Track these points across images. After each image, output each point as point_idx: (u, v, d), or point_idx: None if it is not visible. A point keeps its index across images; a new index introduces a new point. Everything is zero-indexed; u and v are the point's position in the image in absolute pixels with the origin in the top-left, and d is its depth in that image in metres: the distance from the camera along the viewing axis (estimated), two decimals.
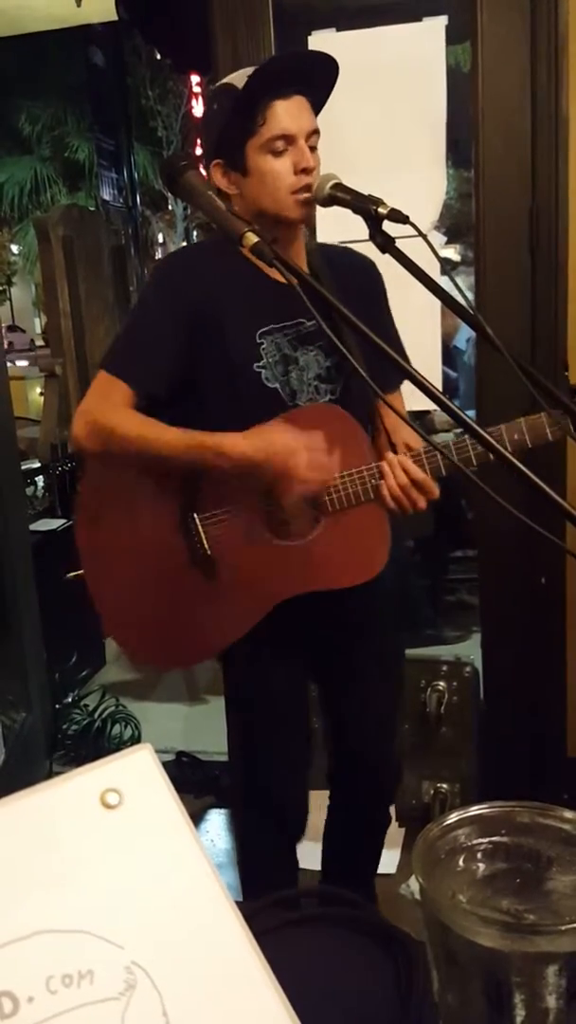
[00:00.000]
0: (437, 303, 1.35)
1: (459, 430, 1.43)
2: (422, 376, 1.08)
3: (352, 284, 1.51)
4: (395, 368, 1.57)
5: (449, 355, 3.94)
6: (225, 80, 1.46)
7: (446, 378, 3.44)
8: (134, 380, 1.45)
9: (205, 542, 1.48)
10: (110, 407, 1.45)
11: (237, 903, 0.45)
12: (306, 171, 1.40)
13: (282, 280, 1.17)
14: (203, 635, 1.56)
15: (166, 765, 0.46)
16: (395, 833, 2.21)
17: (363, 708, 1.71)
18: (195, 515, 1.48)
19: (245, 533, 1.48)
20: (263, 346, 1.48)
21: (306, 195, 1.41)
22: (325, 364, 1.51)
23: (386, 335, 1.57)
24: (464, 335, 4.13)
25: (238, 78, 1.42)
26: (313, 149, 1.43)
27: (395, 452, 1.47)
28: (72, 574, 1.61)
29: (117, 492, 1.52)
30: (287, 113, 1.40)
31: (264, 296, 1.40)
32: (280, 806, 1.69)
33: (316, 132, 1.44)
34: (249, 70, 1.42)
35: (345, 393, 1.51)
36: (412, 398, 1.55)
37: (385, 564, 1.49)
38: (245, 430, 1.41)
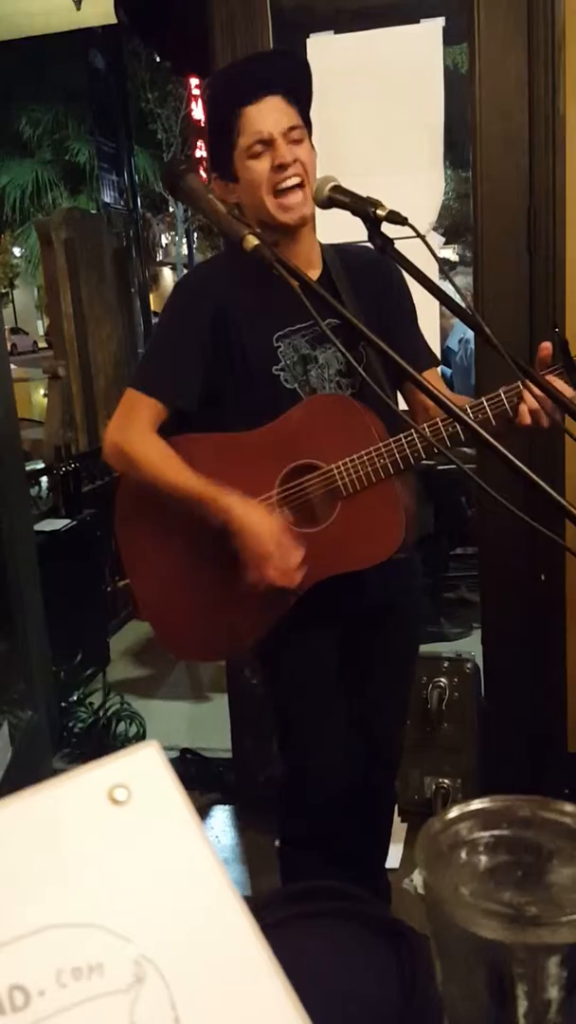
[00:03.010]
0: (436, 303, 1.36)
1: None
2: (424, 379, 1.09)
3: (369, 282, 1.56)
4: (424, 351, 1.60)
5: (443, 355, 3.96)
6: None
7: (442, 376, 3.46)
8: (162, 395, 1.52)
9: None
10: (136, 431, 1.51)
11: (244, 897, 0.45)
12: (282, 167, 1.42)
13: (294, 284, 1.18)
14: (236, 627, 1.60)
15: (171, 762, 0.46)
16: (398, 828, 2.22)
17: (381, 695, 1.75)
18: None
19: None
20: (280, 349, 1.51)
21: (287, 196, 1.43)
22: (344, 360, 1.53)
23: (405, 325, 1.61)
24: (456, 336, 4.14)
25: None
26: (299, 142, 1.45)
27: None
28: (122, 583, 1.67)
29: (150, 494, 1.56)
30: (259, 116, 1.42)
31: (279, 300, 1.42)
32: (328, 791, 1.70)
33: (297, 127, 1.45)
34: None
35: (366, 385, 1.53)
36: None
37: (401, 544, 1.51)
38: (267, 429, 1.49)
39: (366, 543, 1.51)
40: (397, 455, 1.44)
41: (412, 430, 1.41)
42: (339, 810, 1.72)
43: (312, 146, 1.51)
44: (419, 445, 1.43)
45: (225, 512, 1.45)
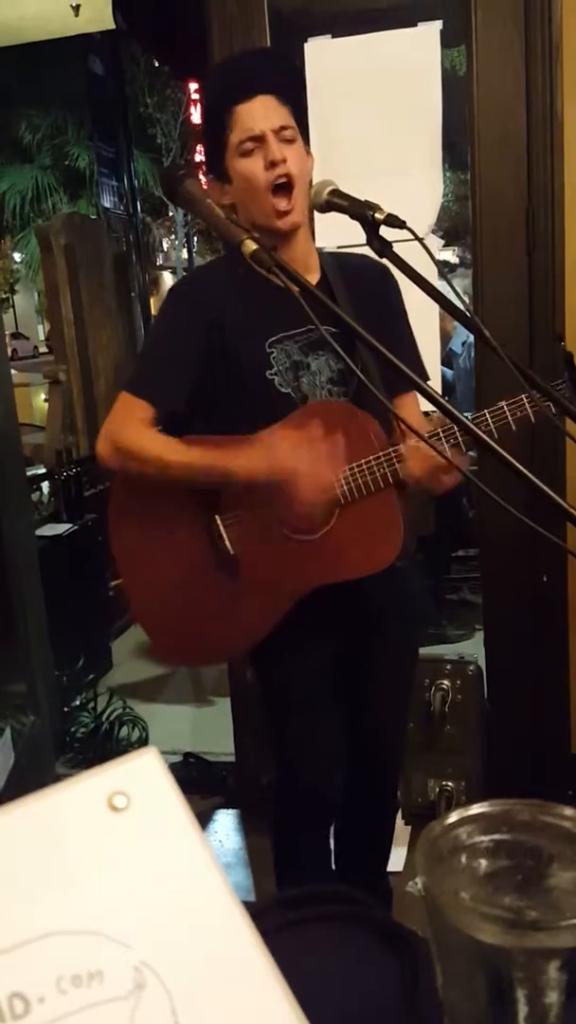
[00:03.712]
0: (435, 306, 1.36)
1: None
2: (426, 384, 1.09)
3: (366, 290, 1.55)
4: (419, 367, 1.59)
5: (446, 358, 3.99)
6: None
7: (443, 380, 3.48)
8: (155, 398, 1.51)
9: (227, 542, 1.52)
10: (132, 428, 1.50)
11: (244, 903, 0.45)
12: (274, 164, 1.43)
13: (293, 289, 1.18)
14: (231, 632, 1.59)
15: (173, 766, 0.47)
16: (401, 831, 2.21)
17: (381, 701, 1.74)
18: (217, 517, 1.52)
19: (264, 531, 1.51)
20: (273, 354, 1.51)
21: (283, 196, 1.44)
22: (336, 367, 1.53)
23: (400, 338, 1.61)
24: (460, 339, 4.17)
25: None
26: (291, 142, 1.45)
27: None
28: (115, 583, 1.66)
29: (145, 498, 1.56)
30: (249, 114, 1.44)
31: (273, 306, 1.42)
32: (316, 794, 1.70)
33: (288, 128, 1.45)
34: None
35: (359, 394, 1.54)
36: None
37: (400, 552, 1.51)
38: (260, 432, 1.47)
39: (364, 551, 1.50)
40: (398, 464, 1.44)
41: (416, 438, 1.41)
42: (327, 817, 1.72)
43: (309, 152, 1.51)
44: None
45: (239, 470, 1.43)
